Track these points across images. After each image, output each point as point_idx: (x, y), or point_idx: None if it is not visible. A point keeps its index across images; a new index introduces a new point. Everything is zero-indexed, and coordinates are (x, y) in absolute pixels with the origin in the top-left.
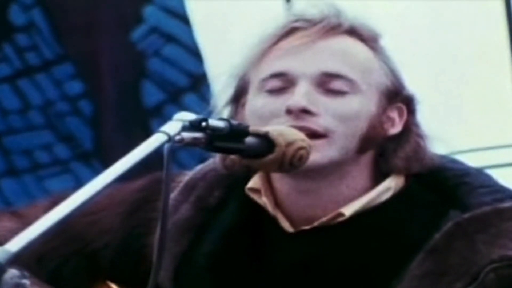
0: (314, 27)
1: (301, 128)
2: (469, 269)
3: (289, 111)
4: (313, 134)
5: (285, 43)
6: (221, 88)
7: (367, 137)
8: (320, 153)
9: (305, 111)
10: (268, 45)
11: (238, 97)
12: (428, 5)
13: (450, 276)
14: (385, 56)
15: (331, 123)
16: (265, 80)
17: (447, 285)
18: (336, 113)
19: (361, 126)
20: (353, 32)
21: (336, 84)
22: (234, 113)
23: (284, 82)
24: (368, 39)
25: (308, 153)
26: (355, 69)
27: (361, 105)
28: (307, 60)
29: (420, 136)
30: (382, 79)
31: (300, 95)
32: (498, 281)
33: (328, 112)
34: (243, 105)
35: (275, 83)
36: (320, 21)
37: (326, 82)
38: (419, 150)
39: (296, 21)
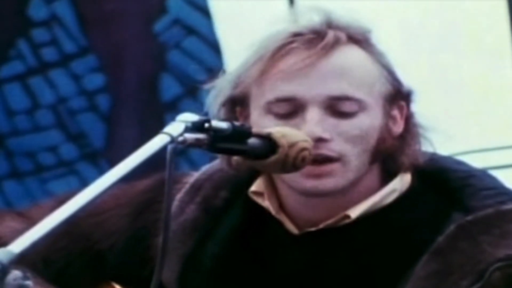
0: (314, 47)
1: (316, 156)
2: (475, 267)
3: None
4: (327, 159)
5: (287, 64)
6: (216, 89)
7: (377, 149)
8: (338, 178)
9: (320, 140)
10: (267, 63)
11: (237, 102)
12: (431, 4)
13: (455, 275)
14: (380, 54)
15: (344, 146)
16: (271, 103)
17: (452, 284)
18: (348, 135)
19: (372, 141)
20: (349, 39)
21: (344, 106)
22: (231, 117)
23: (292, 107)
24: (364, 42)
25: (310, 154)
26: (360, 86)
27: (370, 122)
28: (313, 83)
29: (418, 125)
30: (384, 87)
31: (314, 124)
32: (504, 279)
33: (340, 136)
34: (246, 117)
35: (283, 107)
36: (318, 38)
37: (334, 105)
38: (420, 141)
39: (293, 39)
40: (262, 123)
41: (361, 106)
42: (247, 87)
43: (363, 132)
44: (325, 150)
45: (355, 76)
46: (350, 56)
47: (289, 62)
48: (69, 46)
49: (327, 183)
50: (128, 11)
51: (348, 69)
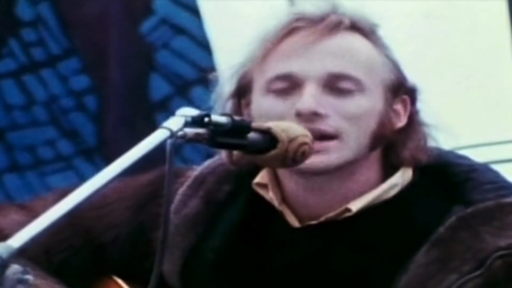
0: (316, 26)
1: (311, 131)
2: (476, 255)
3: (299, 114)
4: (324, 136)
5: (288, 43)
6: (222, 85)
7: (377, 134)
8: (334, 155)
9: (315, 114)
10: (270, 45)
11: (240, 95)
12: (433, 3)
13: (456, 261)
14: (386, 48)
15: (341, 123)
16: (270, 81)
17: (453, 270)
18: (345, 113)
19: (371, 124)
20: (353, 27)
21: (343, 84)
22: (237, 111)
23: (290, 84)
24: (368, 32)
25: (310, 149)
26: (360, 67)
27: (369, 104)
28: (312, 60)
29: (423, 124)
30: (386, 75)
31: (309, 98)
32: (505, 268)
33: (337, 112)
34: (248, 104)
35: (281, 85)
36: (321, 20)
37: (333, 83)
38: (425, 139)
39: (297, 20)
40: (262, 103)
41: (360, 86)
42: (251, 72)
43: (361, 112)
44: (322, 126)
45: (355, 58)
46: (352, 40)
47: (290, 41)
48: (54, 48)
49: (324, 159)
50: (114, 12)
51: (349, 50)
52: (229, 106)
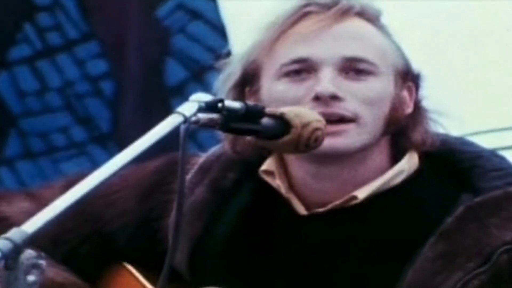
0: (328, 11)
1: (330, 115)
2: (482, 250)
3: (317, 98)
4: (343, 120)
5: (301, 28)
6: (226, 72)
7: (390, 119)
8: (351, 138)
9: (334, 97)
10: (280, 30)
11: (246, 83)
12: (455, 3)
13: (462, 257)
14: (390, 35)
15: (358, 107)
16: (285, 65)
17: (459, 266)
18: (362, 97)
19: (385, 108)
20: (362, 13)
21: (360, 66)
22: (241, 98)
23: (305, 68)
24: (375, 19)
25: (323, 134)
26: (374, 52)
27: (383, 88)
28: (327, 45)
29: (428, 110)
30: (396, 60)
31: (328, 82)
32: (510, 263)
33: (354, 96)
34: (255, 92)
35: (296, 69)
36: (331, 5)
37: (348, 67)
38: (430, 124)
39: (307, 5)
40: (275, 88)
41: (375, 70)
42: (258, 59)
43: (377, 96)
44: (339, 109)
45: (369, 42)
46: (363, 26)
47: (303, 25)
48: (72, 32)
49: (342, 142)
50: None
51: (362, 35)
52: (232, 95)
